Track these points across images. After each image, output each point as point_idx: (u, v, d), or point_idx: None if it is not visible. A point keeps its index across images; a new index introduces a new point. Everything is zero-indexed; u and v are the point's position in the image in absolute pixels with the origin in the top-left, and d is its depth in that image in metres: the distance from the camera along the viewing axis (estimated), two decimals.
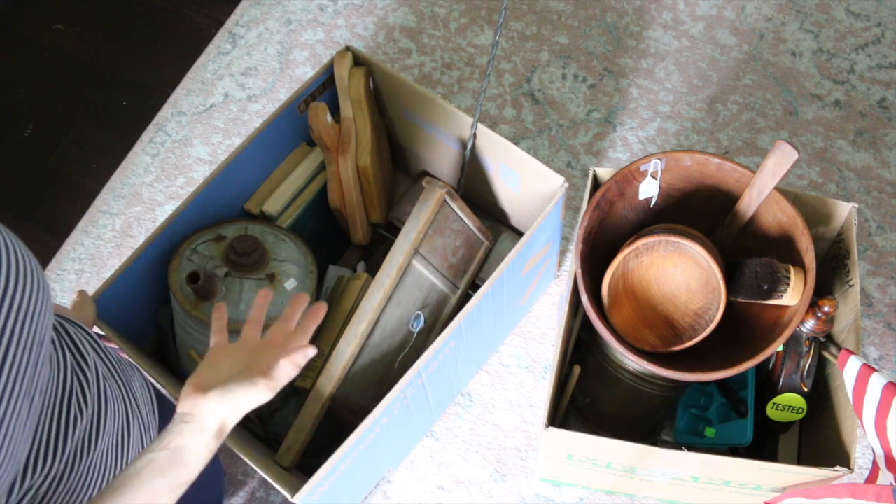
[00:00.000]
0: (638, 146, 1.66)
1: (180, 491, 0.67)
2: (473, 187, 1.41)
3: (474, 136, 1.25)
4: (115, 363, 0.80)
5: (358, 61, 1.32)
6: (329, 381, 1.11)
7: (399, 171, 1.53)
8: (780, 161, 1.00)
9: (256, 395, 0.74)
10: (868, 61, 1.72)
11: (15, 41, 1.96)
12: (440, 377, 1.22)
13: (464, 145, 1.30)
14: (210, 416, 0.70)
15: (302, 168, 1.34)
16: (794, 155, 0.99)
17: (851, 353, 0.99)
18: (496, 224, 1.45)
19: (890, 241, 1.52)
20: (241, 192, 1.30)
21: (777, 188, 1.03)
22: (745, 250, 1.10)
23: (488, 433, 1.41)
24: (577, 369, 1.19)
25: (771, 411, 1.15)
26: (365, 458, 1.11)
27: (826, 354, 1.11)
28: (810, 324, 1.07)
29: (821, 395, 1.14)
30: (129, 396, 0.80)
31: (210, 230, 1.21)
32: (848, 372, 0.98)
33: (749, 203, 1.06)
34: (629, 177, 1.10)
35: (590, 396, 1.24)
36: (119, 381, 0.78)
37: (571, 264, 1.23)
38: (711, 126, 1.67)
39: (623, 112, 1.70)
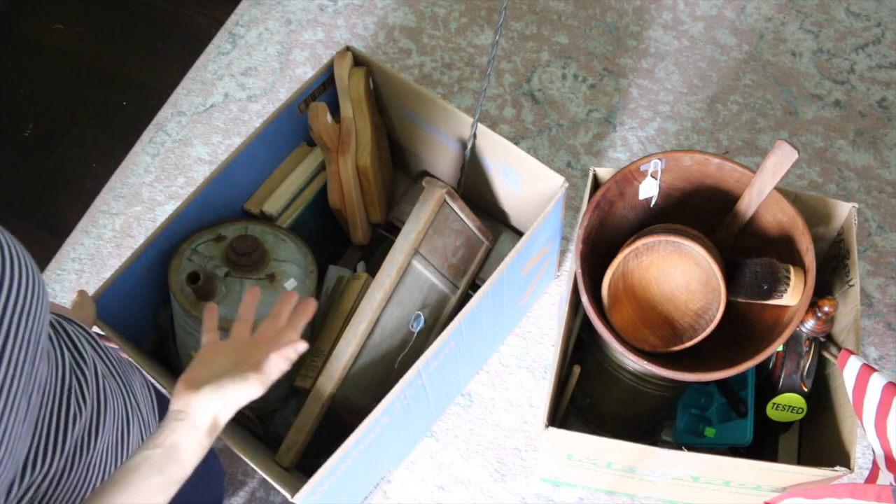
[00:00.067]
0: (638, 146, 1.66)
1: (175, 488, 0.68)
2: (473, 187, 1.41)
3: (474, 136, 1.25)
4: (114, 362, 0.80)
5: (358, 61, 1.32)
6: (329, 381, 1.11)
7: (399, 171, 1.53)
8: (780, 161, 1.00)
9: (248, 390, 0.75)
10: (868, 61, 1.72)
11: (15, 41, 1.96)
12: (440, 377, 1.21)
13: (464, 145, 1.30)
14: (203, 412, 0.71)
15: (302, 168, 1.34)
16: (794, 155, 0.99)
17: (851, 353, 0.99)
18: (496, 224, 1.45)
19: (890, 241, 1.52)
20: (241, 192, 1.30)
21: (777, 188, 1.03)
22: (745, 250, 1.10)
23: (488, 433, 1.41)
24: (577, 369, 1.19)
25: (771, 411, 1.14)
26: (365, 458, 1.11)
27: (826, 354, 1.11)
28: (810, 324, 1.07)
29: (821, 395, 1.14)
30: (128, 395, 0.80)
31: (210, 230, 1.21)
32: (848, 372, 0.98)
33: (749, 203, 1.06)
34: (629, 177, 1.10)
35: (590, 396, 1.24)
36: (118, 380, 0.79)
37: (571, 264, 1.23)
38: (711, 126, 1.67)
39: (623, 112, 1.70)
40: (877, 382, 0.92)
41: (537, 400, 1.43)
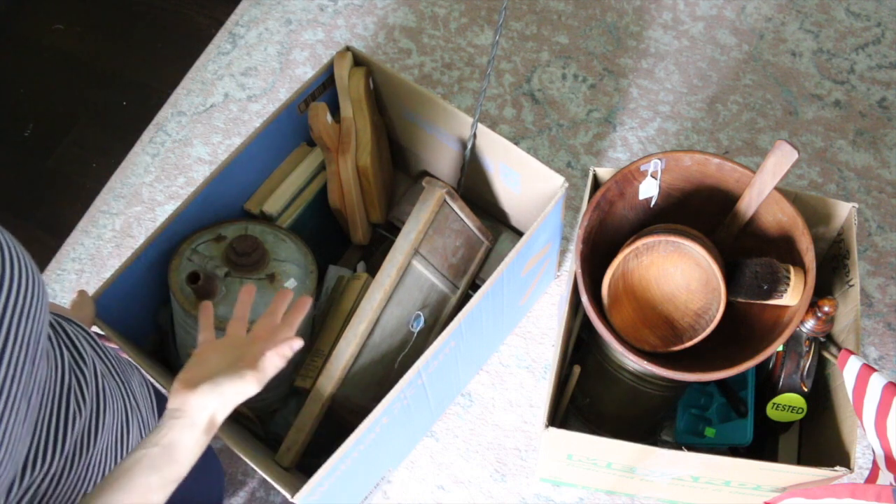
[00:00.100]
0: (638, 146, 1.66)
1: (172, 486, 0.68)
2: (473, 187, 1.41)
3: (474, 136, 1.25)
4: (113, 361, 0.80)
5: (358, 61, 1.32)
6: (329, 381, 1.11)
7: (399, 171, 1.53)
8: (780, 161, 1.00)
9: (245, 387, 0.75)
10: (868, 61, 1.72)
11: (15, 41, 1.96)
12: (440, 377, 1.21)
13: (464, 145, 1.30)
14: (200, 410, 0.71)
15: (302, 168, 1.34)
16: (794, 155, 0.99)
17: (851, 353, 0.99)
18: (496, 224, 1.45)
19: (890, 241, 1.52)
20: (241, 192, 1.30)
21: (777, 188, 1.03)
22: (745, 250, 1.10)
23: (488, 433, 1.41)
24: (577, 369, 1.19)
25: (771, 411, 1.14)
26: (365, 458, 1.11)
27: (826, 354, 1.11)
28: (810, 324, 1.07)
29: (821, 395, 1.14)
30: (127, 394, 0.80)
31: (210, 230, 1.21)
32: (848, 372, 0.98)
33: (749, 203, 1.06)
34: (629, 177, 1.10)
35: (590, 396, 1.24)
36: (118, 379, 0.79)
37: (571, 264, 1.23)
38: (711, 126, 1.67)
39: (623, 112, 1.70)
40: (877, 382, 0.92)
41: (537, 400, 1.43)
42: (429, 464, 1.39)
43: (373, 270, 1.23)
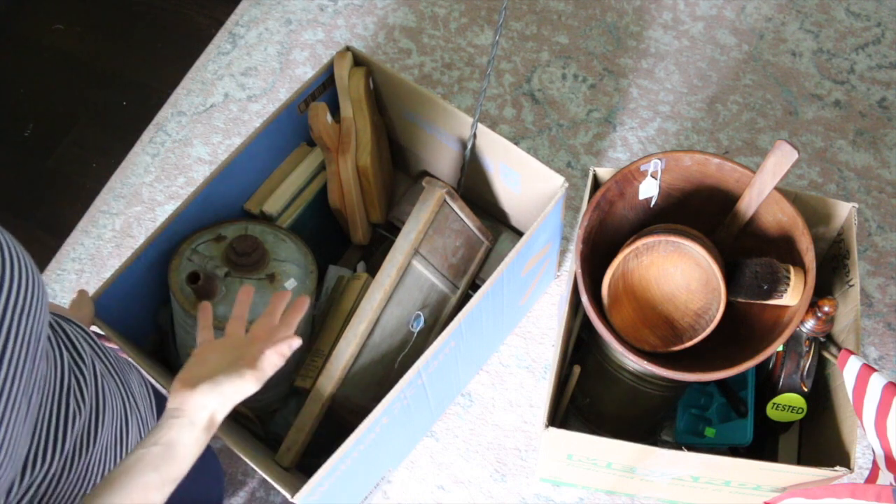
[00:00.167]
0: (638, 146, 1.66)
1: (172, 485, 0.68)
2: (473, 187, 1.41)
3: (474, 136, 1.25)
4: (112, 361, 0.80)
5: (358, 61, 1.32)
6: (329, 381, 1.11)
7: (399, 171, 1.53)
8: (780, 161, 1.00)
9: (244, 386, 0.75)
10: (868, 61, 1.72)
11: (15, 41, 1.96)
12: (440, 377, 1.21)
13: (464, 145, 1.30)
14: (200, 409, 0.71)
15: (302, 168, 1.34)
16: (794, 155, 0.99)
17: (851, 353, 0.99)
18: (496, 224, 1.45)
19: (890, 241, 1.52)
20: (241, 192, 1.30)
21: (777, 188, 1.03)
22: (745, 250, 1.10)
23: (488, 433, 1.41)
24: (577, 369, 1.19)
25: (771, 411, 1.14)
26: (365, 458, 1.11)
27: (826, 354, 1.11)
28: (810, 324, 1.07)
29: (821, 395, 1.14)
30: (127, 394, 0.80)
31: (210, 230, 1.21)
32: (848, 372, 0.98)
33: (749, 203, 1.06)
34: (629, 177, 1.10)
35: (590, 396, 1.24)
36: (117, 379, 0.79)
37: (571, 264, 1.23)
38: (711, 126, 1.67)
39: (623, 112, 1.70)
40: (877, 382, 0.92)
41: (537, 400, 1.43)
42: (429, 464, 1.39)
43: (373, 270, 1.23)
